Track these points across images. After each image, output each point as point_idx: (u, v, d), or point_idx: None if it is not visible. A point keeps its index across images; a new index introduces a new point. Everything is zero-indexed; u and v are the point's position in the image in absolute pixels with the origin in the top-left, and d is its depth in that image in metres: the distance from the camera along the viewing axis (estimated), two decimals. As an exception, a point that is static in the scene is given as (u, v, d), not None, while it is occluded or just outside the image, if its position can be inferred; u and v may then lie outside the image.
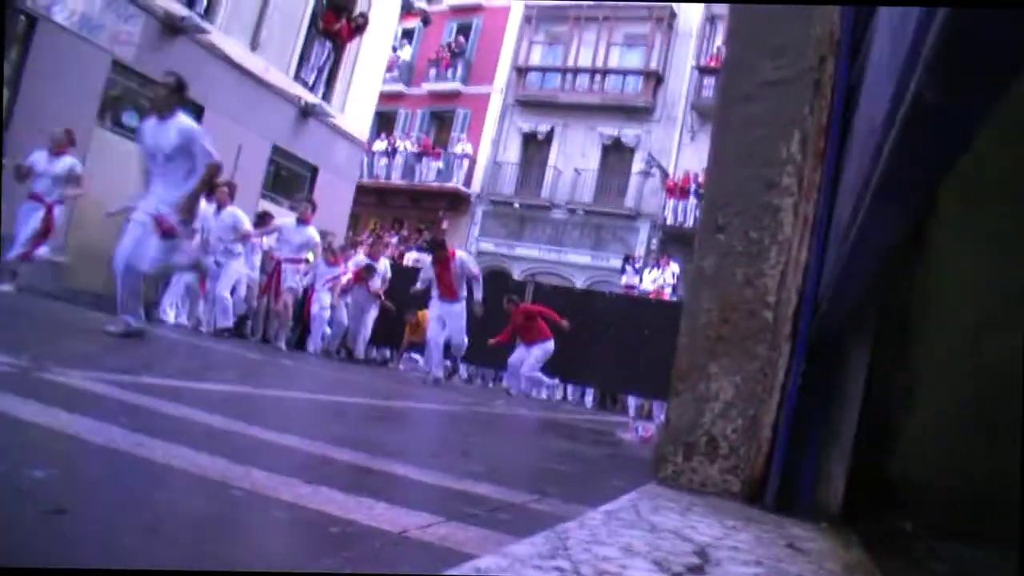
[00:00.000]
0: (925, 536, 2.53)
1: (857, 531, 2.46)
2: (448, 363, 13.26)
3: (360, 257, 15.93)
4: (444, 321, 12.37)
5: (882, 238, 1.92)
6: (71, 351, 6.20)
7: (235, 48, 16.01)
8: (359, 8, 19.11)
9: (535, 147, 29.03)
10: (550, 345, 14.33)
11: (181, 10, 14.76)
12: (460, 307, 12.36)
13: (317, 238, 13.94)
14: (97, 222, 13.60)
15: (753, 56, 3.01)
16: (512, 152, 29.13)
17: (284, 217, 15.31)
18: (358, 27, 18.90)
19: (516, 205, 28.16)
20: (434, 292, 12.40)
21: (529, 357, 14.34)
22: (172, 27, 14.69)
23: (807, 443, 2.82)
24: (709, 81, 25.10)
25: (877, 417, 2.77)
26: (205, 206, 13.32)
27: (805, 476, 2.80)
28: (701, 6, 26.58)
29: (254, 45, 16.51)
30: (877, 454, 2.75)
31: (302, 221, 13.72)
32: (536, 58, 29.47)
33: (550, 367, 14.50)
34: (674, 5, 26.71)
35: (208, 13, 15.45)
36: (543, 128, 28.77)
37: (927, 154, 1.36)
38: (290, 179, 18.44)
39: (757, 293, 2.86)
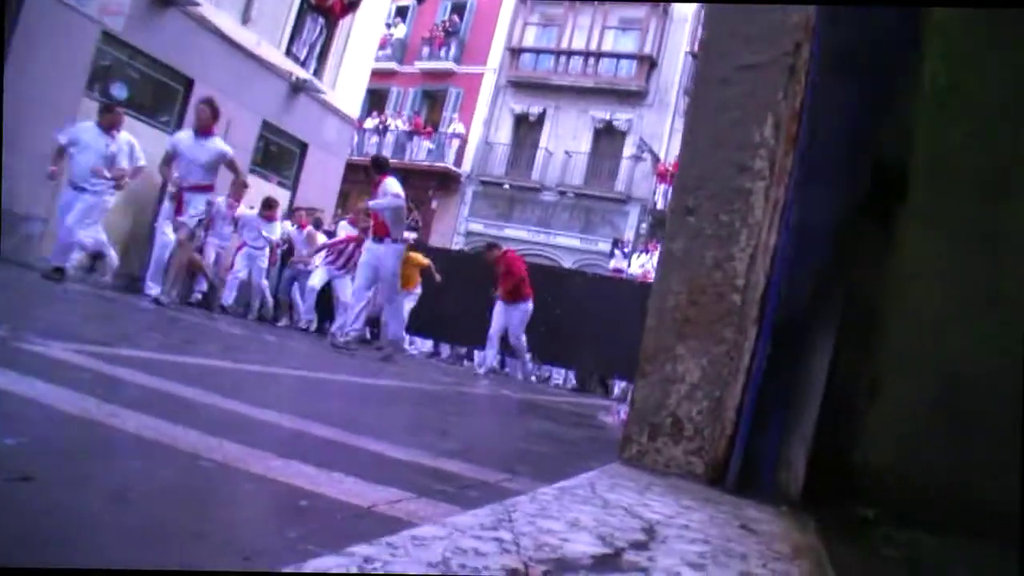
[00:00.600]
0: (885, 524, 2.55)
1: (816, 516, 2.48)
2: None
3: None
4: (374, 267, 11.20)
5: (818, 221, 1.93)
6: (51, 322, 6.20)
7: (226, 21, 15.89)
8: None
9: (527, 128, 29.01)
10: (530, 305, 13.93)
11: (171, -19, 14.66)
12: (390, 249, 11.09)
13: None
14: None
15: (729, 41, 3.02)
16: (504, 133, 29.11)
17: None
18: (351, 3, 18.79)
19: (506, 186, 28.16)
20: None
21: (513, 320, 13.85)
22: (162, -1, 14.59)
23: (770, 427, 2.84)
24: (700, 68, 25.01)
25: (841, 404, 2.80)
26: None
27: (767, 460, 2.82)
28: (697, -9, 26.52)
29: (245, 19, 16.40)
30: (840, 440, 2.77)
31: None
32: (530, 39, 29.41)
33: (532, 350, 14.43)
34: (669, -10, 26.64)
35: (199, -13, 15.35)
36: (535, 110, 28.75)
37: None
38: (280, 155, 18.35)
39: (726, 276, 2.87)
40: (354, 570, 1.16)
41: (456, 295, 16.16)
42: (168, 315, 10.05)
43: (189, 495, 2.20)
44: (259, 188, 17.52)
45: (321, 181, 19.20)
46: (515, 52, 29.17)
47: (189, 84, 15.52)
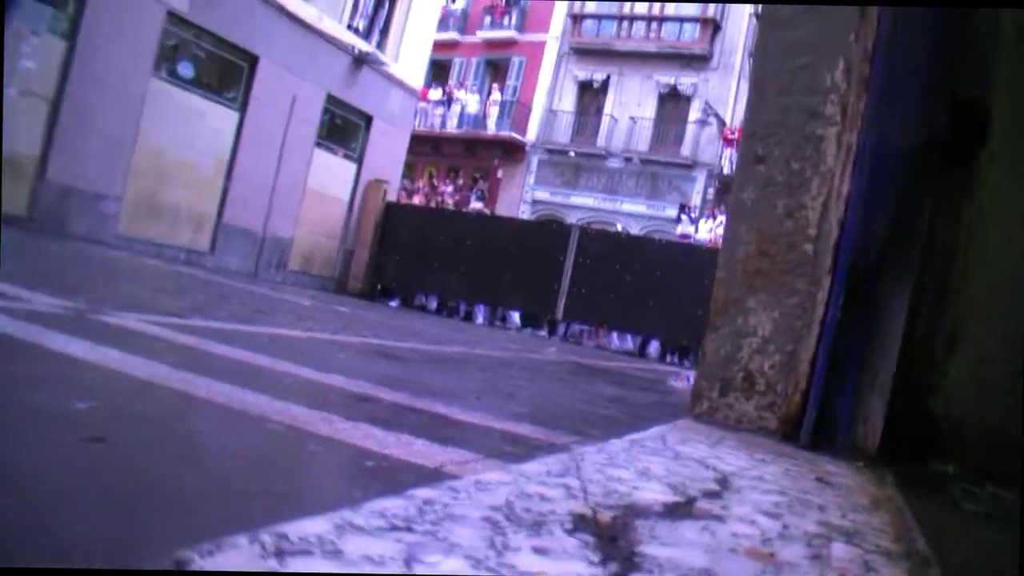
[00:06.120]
0: (965, 479, 2.47)
1: (894, 471, 2.40)
2: None
3: None
4: None
5: (893, 167, 1.84)
6: (128, 295, 6.31)
7: (288, -3, 16.01)
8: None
9: (591, 95, 28.72)
10: None
11: (234, -41, 14.78)
12: None
13: None
14: (153, 171, 13.84)
15: (795, -20, 2.92)
16: (568, 100, 28.85)
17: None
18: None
19: (571, 154, 27.94)
20: None
21: None
22: (225, -24, 14.72)
23: (845, 381, 2.76)
24: (765, 25, 24.50)
25: (918, 356, 2.71)
26: None
27: (842, 415, 2.75)
28: (761, -51, 25.91)
29: (307, -7, 16.50)
30: (918, 394, 2.68)
31: None
32: (592, 5, 29.02)
33: (599, 316, 14.39)
34: (733, -50, 26.08)
35: (261, -38, 15.45)
36: (599, 76, 28.43)
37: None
38: (345, 128, 18.46)
39: (798, 225, 2.78)
40: (412, 511, 1.13)
41: (523, 263, 16.19)
42: (238, 287, 10.19)
43: (257, 456, 2.21)
44: (325, 161, 17.68)
45: (386, 153, 19.27)
46: (577, 18, 28.84)
47: (254, 61, 15.65)
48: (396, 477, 2.15)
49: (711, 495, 1.58)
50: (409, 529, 1.05)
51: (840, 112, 2.75)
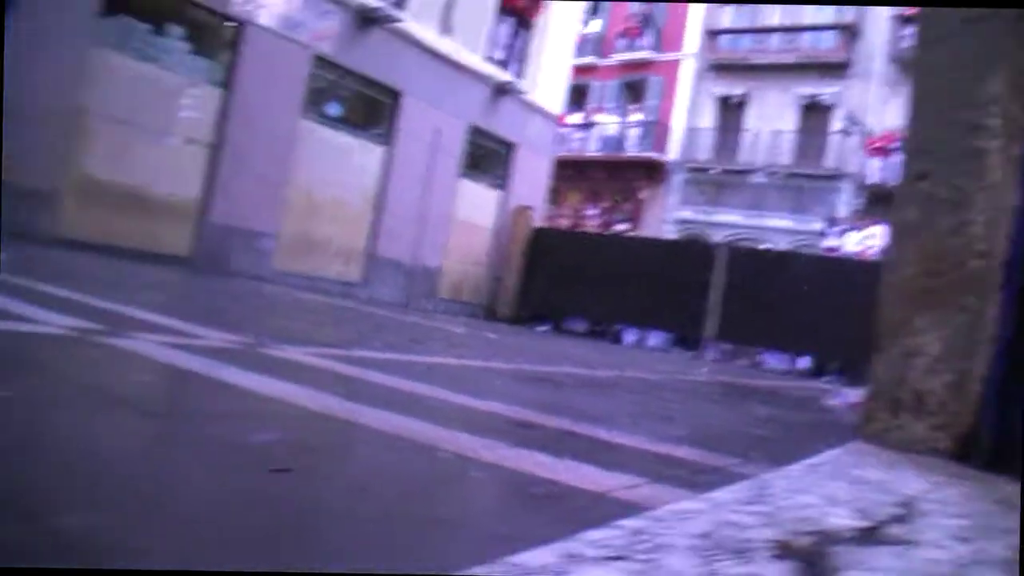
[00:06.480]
0: None
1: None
2: None
3: None
4: None
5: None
6: (289, 328, 6.58)
7: (427, 33, 16.43)
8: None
9: (730, 111, 28.35)
10: None
11: (374, 1, 15.25)
12: None
13: None
14: (305, 207, 14.41)
15: (950, -6, 2.86)
16: (707, 117, 28.57)
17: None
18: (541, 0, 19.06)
19: (714, 171, 27.62)
20: None
21: None
22: (367, 18, 15.21)
23: (1022, 398, 2.68)
24: (910, 31, 23.73)
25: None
26: None
27: (1018, 433, 2.66)
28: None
29: (445, 29, 16.87)
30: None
31: None
32: (727, 18, 28.71)
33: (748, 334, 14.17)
34: (870, -48, 25.36)
35: (399, 2, 15.89)
36: (737, 91, 28.08)
37: None
38: (487, 157, 18.77)
39: (964, 242, 2.72)
40: (626, 541, 1.18)
41: (670, 283, 16.10)
42: (391, 318, 10.46)
43: (433, 484, 2.29)
44: (470, 190, 18.03)
45: (530, 179, 19.50)
46: (712, 34, 28.57)
47: (398, 96, 16.11)
48: (567, 502, 2.19)
49: (898, 519, 1.58)
50: (627, 558, 1.10)
51: (1003, 123, 2.69)
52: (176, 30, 12.82)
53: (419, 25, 16.19)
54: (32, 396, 2.44)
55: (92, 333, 3.78)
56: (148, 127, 12.48)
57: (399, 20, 15.64)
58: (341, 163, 15.40)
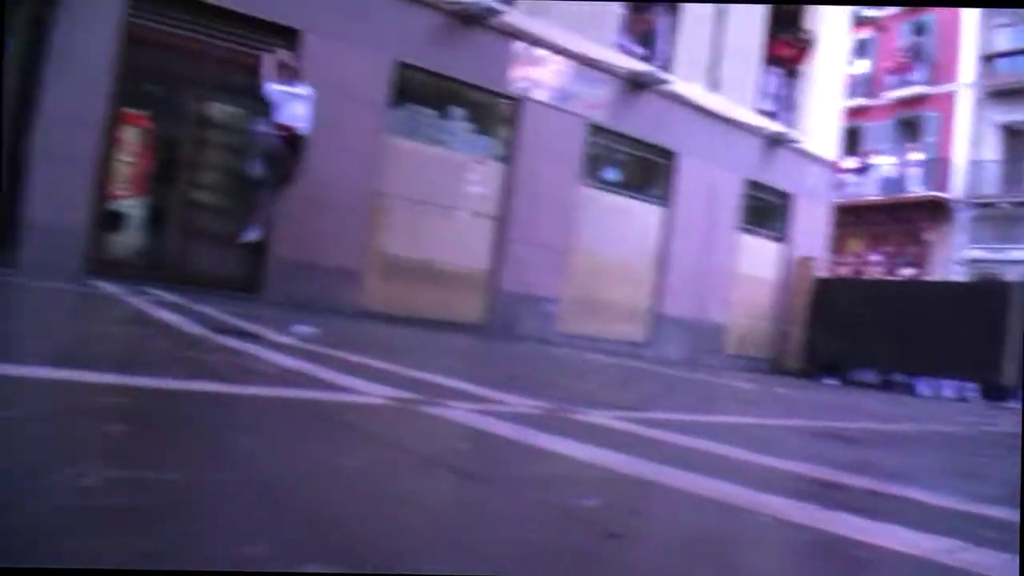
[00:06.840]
0: None
1: None
2: None
3: None
4: None
5: None
6: (584, 391, 6.81)
7: (696, 91, 16.58)
8: (803, 28, 18.95)
9: (1016, 139, 26.38)
10: None
11: (641, 67, 15.62)
12: None
13: None
14: (588, 271, 14.91)
15: None
16: (991, 148, 26.71)
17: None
18: (802, 47, 18.72)
19: (1003, 205, 25.75)
20: None
21: None
22: (636, 83, 15.58)
23: None
24: None
25: None
26: None
27: None
28: None
29: (713, 86, 16.95)
30: None
31: None
32: (1002, 40, 26.79)
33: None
34: None
35: (666, 65, 16.16)
36: (1022, 117, 26.10)
37: None
38: (765, 209, 18.56)
39: None
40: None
41: (961, 328, 15.20)
42: (680, 376, 10.52)
43: (762, 549, 2.35)
44: (750, 244, 17.89)
45: (809, 229, 19.09)
46: (988, 59, 26.80)
47: (672, 156, 16.33)
48: (893, 568, 2.20)
49: None
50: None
51: None
52: (458, 112, 13.80)
53: (687, 84, 16.38)
54: (375, 465, 2.64)
55: (409, 402, 4.04)
56: (438, 205, 13.44)
57: (668, 82, 15.90)
58: (621, 225, 15.77)
